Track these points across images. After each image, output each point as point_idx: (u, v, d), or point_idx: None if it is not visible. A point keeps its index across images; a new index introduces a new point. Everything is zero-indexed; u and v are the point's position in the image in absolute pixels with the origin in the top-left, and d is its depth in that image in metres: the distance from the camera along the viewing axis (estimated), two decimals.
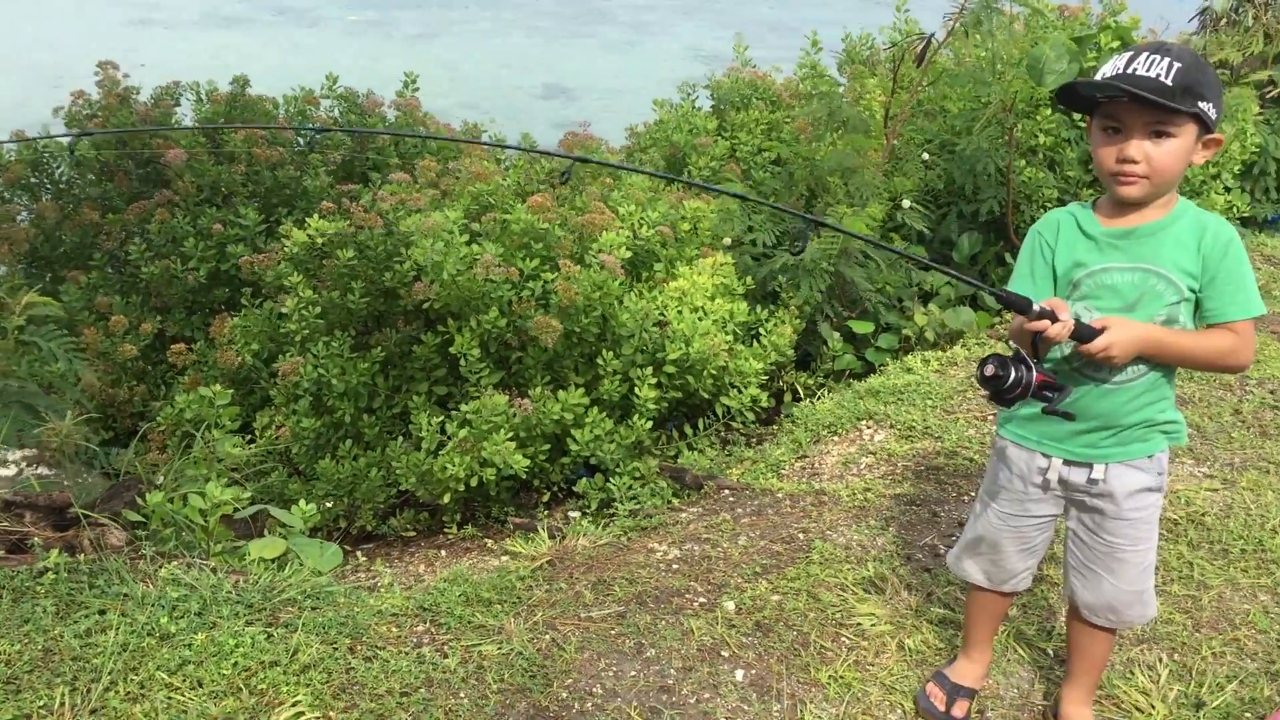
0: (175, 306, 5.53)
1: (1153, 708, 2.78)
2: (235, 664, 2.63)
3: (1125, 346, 2.20)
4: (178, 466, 3.79)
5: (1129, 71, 2.16)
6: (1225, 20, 8.52)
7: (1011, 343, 2.24)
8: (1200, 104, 2.14)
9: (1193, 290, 2.24)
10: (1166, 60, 2.14)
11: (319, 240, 4.59)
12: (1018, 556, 2.60)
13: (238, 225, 5.33)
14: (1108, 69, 2.22)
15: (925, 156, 6.17)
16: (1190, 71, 2.13)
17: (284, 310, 4.53)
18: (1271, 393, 4.54)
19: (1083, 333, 2.18)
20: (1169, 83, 2.12)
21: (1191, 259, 2.24)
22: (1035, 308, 2.17)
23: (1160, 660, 2.96)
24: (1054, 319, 2.15)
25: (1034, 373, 2.18)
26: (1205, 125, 2.18)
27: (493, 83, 15.98)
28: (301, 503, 3.54)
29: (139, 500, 3.34)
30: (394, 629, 2.91)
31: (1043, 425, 2.43)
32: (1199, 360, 2.33)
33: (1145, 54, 2.17)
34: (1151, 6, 8.39)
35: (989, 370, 2.19)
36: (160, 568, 2.99)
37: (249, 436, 4.52)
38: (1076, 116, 6.28)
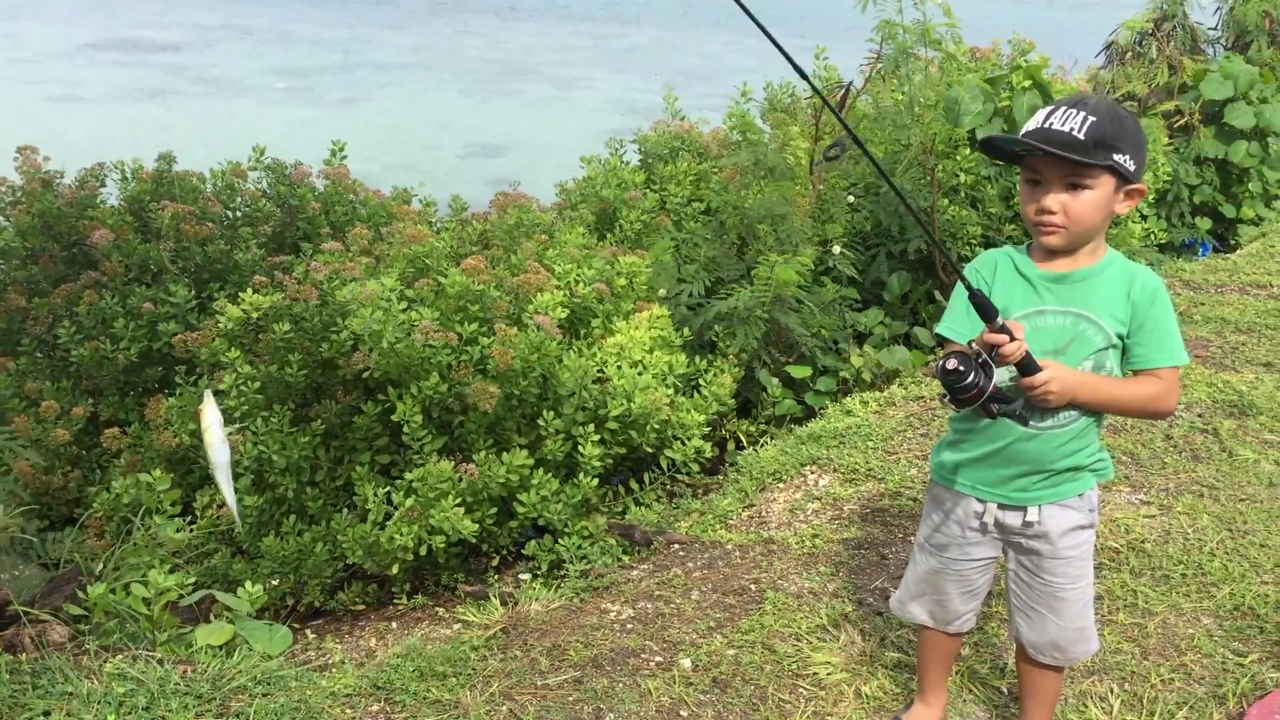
0: (108, 389, 5.44)
1: None
2: None
3: (1064, 385, 2.24)
4: (118, 554, 3.71)
5: (1046, 126, 2.24)
6: (1130, 54, 8.81)
7: (973, 345, 2.25)
8: (1115, 156, 2.21)
9: (1120, 337, 2.31)
10: (1081, 114, 2.21)
11: (253, 315, 4.56)
12: (961, 599, 2.64)
13: (168, 303, 5.27)
14: (1029, 123, 2.29)
15: (850, 200, 6.28)
16: (1104, 125, 2.20)
17: (221, 387, 4.47)
18: (1200, 416, 4.66)
19: (1028, 364, 2.22)
20: (1081, 137, 2.19)
21: (1121, 305, 2.31)
22: (998, 321, 2.20)
23: (1112, 691, 3.01)
24: (1012, 338, 2.19)
25: (990, 382, 2.20)
26: (1123, 176, 2.25)
27: (422, 144, 16.02)
28: (248, 584, 3.49)
29: (80, 593, 3.27)
30: (348, 710, 2.87)
31: (977, 471, 2.48)
32: (1128, 407, 2.40)
33: (1063, 108, 2.24)
34: (1061, 44, 8.67)
35: (951, 364, 2.20)
36: (105, 662, 2.93)
37: (190, 517, 4.45)
38: None
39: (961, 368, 2.19)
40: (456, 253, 5.20)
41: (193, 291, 5.35)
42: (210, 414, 3.39)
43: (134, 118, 16.88)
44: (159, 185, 6.04)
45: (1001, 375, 2.29)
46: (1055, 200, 2.26)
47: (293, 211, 6.21)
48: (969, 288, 2.23)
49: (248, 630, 3.25)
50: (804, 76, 2.39)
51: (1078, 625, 2.54)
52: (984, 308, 2.21)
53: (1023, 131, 2.29)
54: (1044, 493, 2.43)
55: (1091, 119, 2.20)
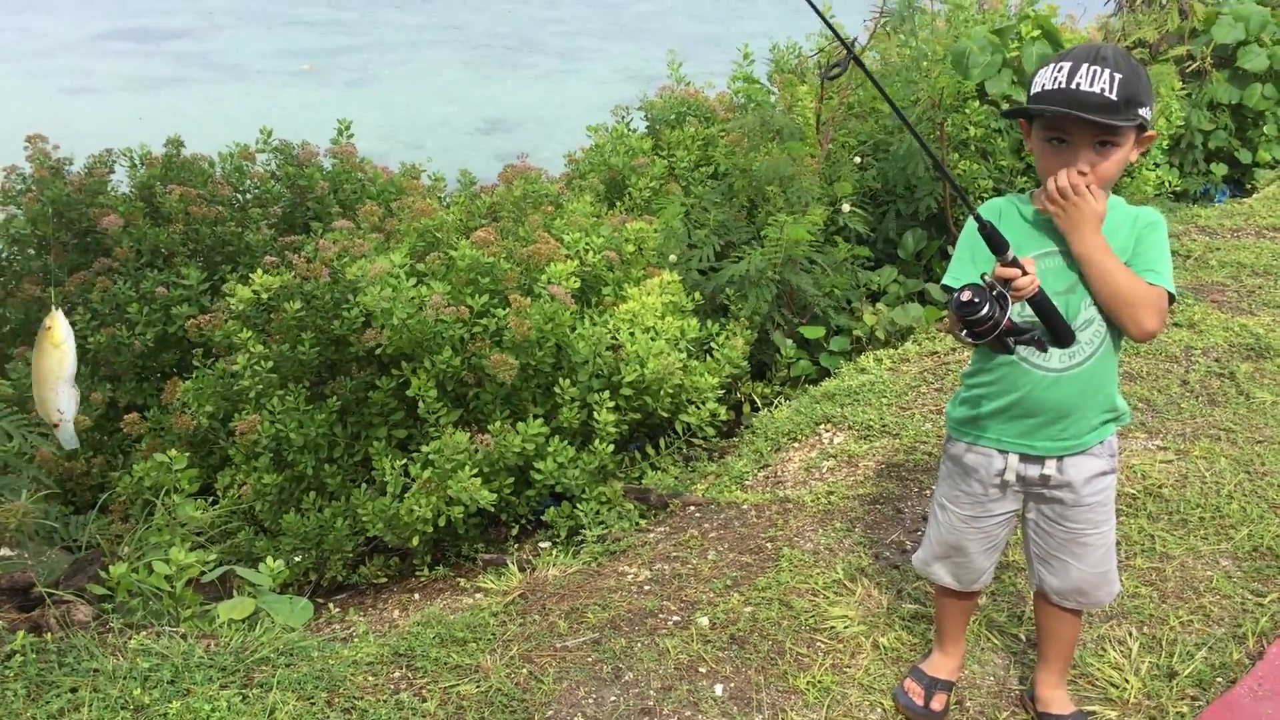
0: (125, 374, 5.47)
1: (1126, 682, 2.82)
2: None
3: (1089, 213, 2.24)
4: (140, 535, 3.75)
5: (1072, 86, 2.19)
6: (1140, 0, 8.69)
7: (986, 277, 2.22)
8: (1140, 111, 2.20)
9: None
10: (1107, 72, 2.17)
11: (264, 295, 4.58)
12: (983, 555, 2.64)
13: (181, 286, 5.29)
14: (1046, 80, 2.24)
15: (858, 160, 6.24)
16: (1130, 81, 2.18)
17: (235, 368, 4.50)
18: (1216, 360, 4.63)
19: (1041, 301, 2.23)
20: (1114, 98, 2.16)
21: (1126, 238, 2.31)
22: (1009, 254, 2.19)
23: (1130, 634, 3.01)
24: (1024, 272, 2.19)
25: (1005, 314, 2.18)
26: (1142, 127, 2.25)
27: (431, 121, 15.98)
28: (269, 559, 3.53)
29: (103, 573, 3.31)
30: (370, 677, 2.90)
31: (998, 424, 2.47)
32: (1120, 285, 2.27)
33: (1085, 66, 2.19)
34: None
35: (965, 295, 2.18)
36: (129, 639, 2.97)
37: (211, 498, 4.48)
38: (1005, 106, 6.39)
39: (976, 299, 2.17)
40: (466, 226, 5.20)
41: (204, 274, 5.36)
42: (63, 328, 3.36)
43: (145, 106, 16.90)
44: (168, 170, 6.06)
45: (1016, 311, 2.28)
46: (1087, 162, 2.24)
47: (301, 192, 6.22)
48: (979, 220, 2.22)
49: (269, 604, 3.29)
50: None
51: (1101, 570, 2.54)
52: (994, 239, 2.21)
53: (1041, 88, 2.24)
54: (1066, 443, 2.42)
55: (1119, 76, 2.17)
